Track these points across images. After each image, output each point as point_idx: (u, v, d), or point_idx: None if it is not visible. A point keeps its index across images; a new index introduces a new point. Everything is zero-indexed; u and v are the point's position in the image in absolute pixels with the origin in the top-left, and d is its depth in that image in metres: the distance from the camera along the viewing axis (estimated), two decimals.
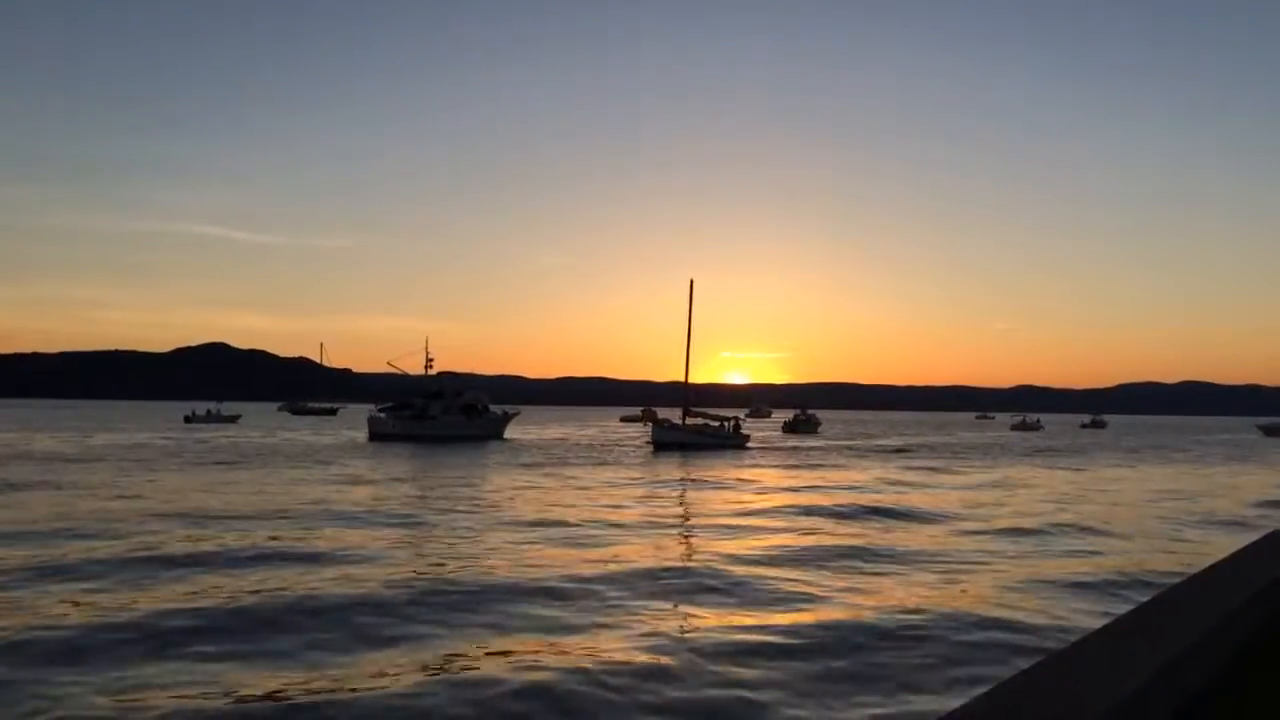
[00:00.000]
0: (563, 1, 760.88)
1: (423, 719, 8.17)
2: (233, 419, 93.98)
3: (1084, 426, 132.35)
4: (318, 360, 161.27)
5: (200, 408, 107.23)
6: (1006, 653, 10.35)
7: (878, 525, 21.74)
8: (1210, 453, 64.05)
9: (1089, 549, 18.41)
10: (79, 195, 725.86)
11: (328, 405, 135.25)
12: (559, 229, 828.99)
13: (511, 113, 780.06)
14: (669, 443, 56.52)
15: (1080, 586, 14.37)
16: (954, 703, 3.74)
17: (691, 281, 60.49)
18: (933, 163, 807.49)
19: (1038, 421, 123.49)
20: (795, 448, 61.60)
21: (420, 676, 9.22)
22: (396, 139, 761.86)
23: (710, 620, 11.85)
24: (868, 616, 11.88)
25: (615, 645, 10.45)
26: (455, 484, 30.42)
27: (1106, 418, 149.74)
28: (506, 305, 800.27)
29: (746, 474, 38.19)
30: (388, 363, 68.73)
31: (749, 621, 11.70)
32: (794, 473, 39.53)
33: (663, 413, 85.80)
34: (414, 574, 14.33)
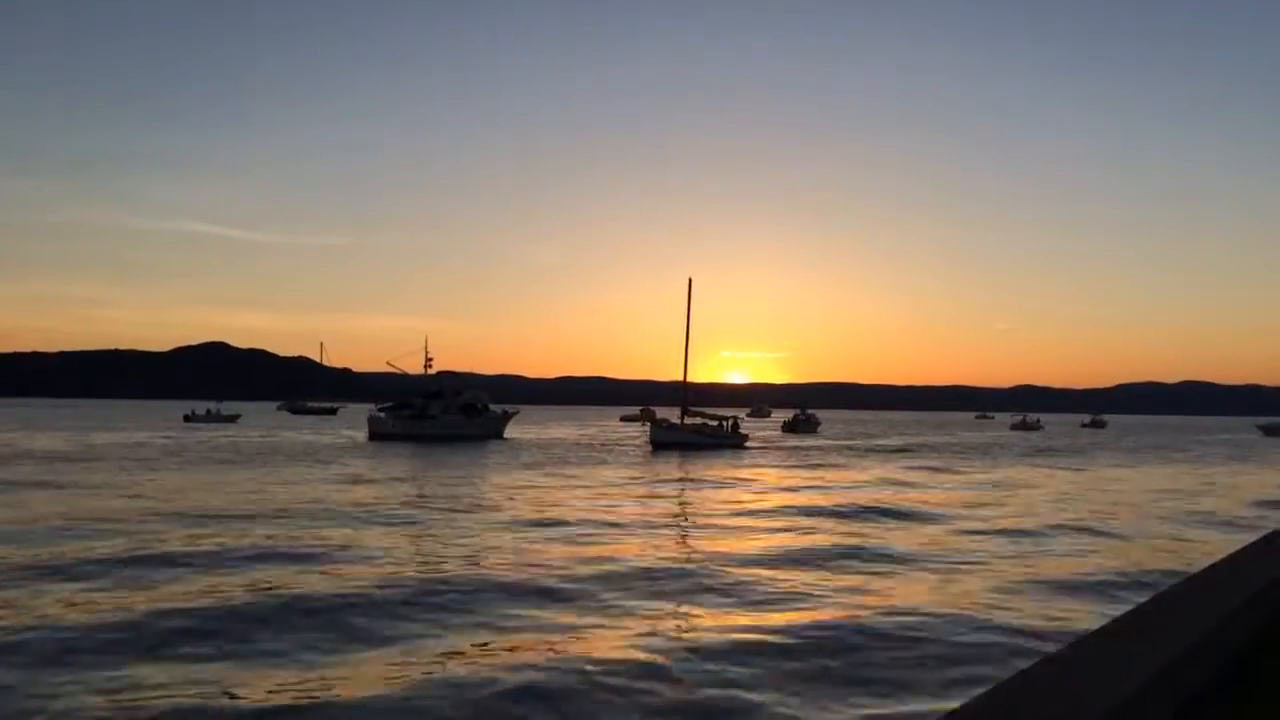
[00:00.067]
0: None
1: (419, 719, 8.16)
2: (232, 418, 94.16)
3: (1084, 426, 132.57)
4: (317, 360, 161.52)
5: (200, 407, 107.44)
6: (1005, 653, 10.34)
7: (877, 525, 21.74)
8: (1210, 453, 64.08)
9: (1089, 549, 18.41)
10: (76, 190, 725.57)
11: (327, 405, 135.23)
12: (558, 226, 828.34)
13: (511, 109, 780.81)
14: (668, 442, 56.50)
15: (1080, 587, 14.36)
16: (952, 703, 3.72)
17: (690, 280, 60.27)
18: (933, 160, 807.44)
19: (1038, 421, 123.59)
20: (795, 447, 61.61)
21: (417, 676, 9.21)
22: (395, 135, 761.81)
23: (708, 620, 11.85)
24: (866, 617, 11.86)
25: (613, 645, 10.45)
26: (455, 483, 30.42)
27: (1106, 418, 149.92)
28: (506, 304, 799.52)
29: (745, 474, 38.18)
30: (387, 362, 68.89)
31: (747, 621, 11.69)
32: (793, 472, 39.53)
33: (662, 412, 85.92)
34: (413, 573, 14.33)
